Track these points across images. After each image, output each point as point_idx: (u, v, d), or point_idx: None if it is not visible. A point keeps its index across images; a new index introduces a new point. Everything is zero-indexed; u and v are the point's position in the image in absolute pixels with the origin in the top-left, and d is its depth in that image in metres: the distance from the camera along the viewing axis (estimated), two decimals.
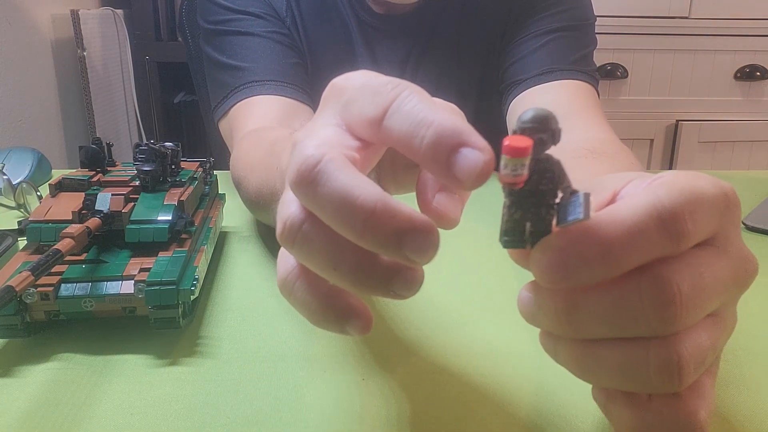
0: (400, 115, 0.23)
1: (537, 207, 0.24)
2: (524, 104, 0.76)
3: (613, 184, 0.27)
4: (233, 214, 0.65)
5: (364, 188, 0.22)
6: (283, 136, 0.46)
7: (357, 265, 0.23)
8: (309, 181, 0.23)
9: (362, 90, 0.25)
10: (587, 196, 0.23)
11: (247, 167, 0.55)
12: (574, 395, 0.37)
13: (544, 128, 0.22)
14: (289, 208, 0.24)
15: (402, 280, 0.23)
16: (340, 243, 0.23)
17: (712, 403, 0.26)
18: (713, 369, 0.28)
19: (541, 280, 0.24)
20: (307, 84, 0.76)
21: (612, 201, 0.26)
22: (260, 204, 0.52)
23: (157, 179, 0.48)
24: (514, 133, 0.23)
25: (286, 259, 0.26)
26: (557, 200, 0.24)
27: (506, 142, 0.22)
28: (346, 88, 0.26)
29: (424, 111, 0.23)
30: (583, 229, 0.23)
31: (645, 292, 0.23)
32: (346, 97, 0.26)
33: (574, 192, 0.23)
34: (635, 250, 0.23)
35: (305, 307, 0.25)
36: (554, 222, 0.24)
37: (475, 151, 0.22)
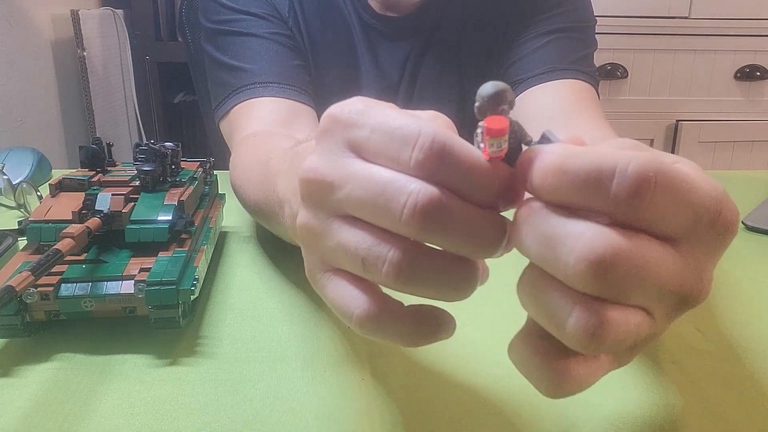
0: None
1: (508, 164, 0.25)
2: (525, 104, 0.76)
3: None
4: (233, 214, 0.65)
5: (483, 218, 0.24)
6: (278, 151, 0.45)
7: (473, 277, 0.26)
8: (433, 224, 0.24)
9: (384, 135, 0.25)
10: (547, 131, 0.25)
11: (244, 176, 0.55)
12: (574, 396, 0.37)
13: (504, 100, 0.24)
14: (386, 253, 0.25)
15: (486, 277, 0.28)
16: (459, 265, 0.25)
17: (587, 383, 0.26)
18: (621, 359, 0.27)
19: (514, 198, 0.25)
20: (308, 85, 0.76)
21: None
22: (259, 216, 0.52)
23: (157, 179, 0.48)
24: (479, 107, 0.24)
25: (357, 298, 0.26)
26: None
27: (487, 124, 0.24)
28: (356, 125, 0.26)
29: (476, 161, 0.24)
30: (549, 149, 0.24)
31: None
32: (363, 139, 0.25)
33: (535, 141, 0.26)
34: (588, 182, 0.22)
35: (398, 336, 0.26)
36: None
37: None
